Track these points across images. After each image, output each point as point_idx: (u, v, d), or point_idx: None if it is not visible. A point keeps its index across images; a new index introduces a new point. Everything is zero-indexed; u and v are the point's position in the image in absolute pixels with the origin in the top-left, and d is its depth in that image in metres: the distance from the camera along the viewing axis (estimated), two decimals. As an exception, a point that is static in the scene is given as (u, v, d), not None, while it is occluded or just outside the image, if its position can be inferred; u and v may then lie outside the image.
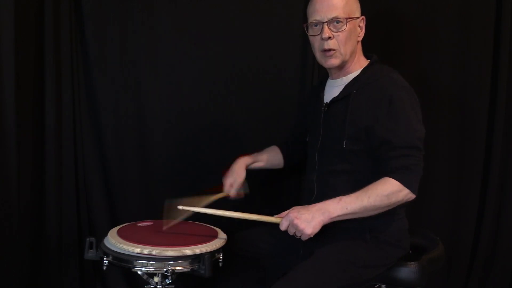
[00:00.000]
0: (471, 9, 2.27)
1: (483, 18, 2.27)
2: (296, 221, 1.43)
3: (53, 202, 2.10)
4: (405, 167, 1.48)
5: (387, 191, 1.46)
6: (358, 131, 1.55)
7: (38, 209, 2.07)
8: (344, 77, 1.67)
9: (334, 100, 1.65)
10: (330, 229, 1.59)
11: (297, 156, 1.94)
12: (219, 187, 1.84)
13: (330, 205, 1.47)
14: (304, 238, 1.45)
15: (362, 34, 1.66)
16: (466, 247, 2.39)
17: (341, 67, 1.65)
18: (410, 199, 1.51)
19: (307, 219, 1.44)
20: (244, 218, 1.52)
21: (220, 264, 1.54)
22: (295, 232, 1.46)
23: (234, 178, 1.82)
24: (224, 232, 1.66)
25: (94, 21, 2.14)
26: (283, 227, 1.47)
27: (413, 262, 1.56)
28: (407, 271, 1.56)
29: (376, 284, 1.64)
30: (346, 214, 1.46)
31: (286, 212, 1.49)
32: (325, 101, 1.70)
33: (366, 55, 1.71)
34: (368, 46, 1.72)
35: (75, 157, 2.17)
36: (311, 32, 1.64)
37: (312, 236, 1.45)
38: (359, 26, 1.64)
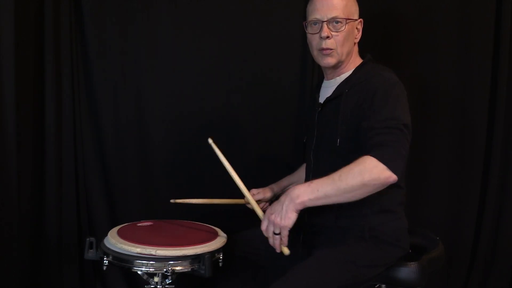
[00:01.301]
0: (470, 9, 2.27)
1: (483, 18, 2.27)
2: (271, 217, 1.42)
3: (53, 202, 2.10)
4: (382, 143, 1.39)
5: (359, 168, 1.37)
6: (350, 129, 1.55)
7: (38, 209, 2.07)
8: (338, 77, 1.68)
9: (328, 100, 1.66)
10: (330, 229, 1.60)
11: None
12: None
13: (300, 189, 1.41)
14: (284, 233, 1.42)
15: (359, 36, 1.67)
16: (466, 247, 2.39)
17: (336, 67, 1.66)
18: (390, 179, 1.37)
19: (279, 211, 1.41)
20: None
21: (220, 264, 1.54)
22: (273, 231, 1.42)
23: (261, 192, 1.85)
24: (224, 232, 1.66)
25: (94, 21, 2.14)
26: (263, 227, 1.45)
27: (413, 262, 1.56)
28: (407, 271, 1.56)
29: (376, 284, 1.64)
30: (319, 198, 1.39)
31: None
32: (319, 101, 1.71)
33: (361, 55, 1.71)
34: (367, 47, 1.72)
35: (75, 158, 2.18)
36: (310, 30, 1.65)
37: (290, 227, 1.40)
38: (357, 28, 1.65)
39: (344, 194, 1.39)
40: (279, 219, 1.40)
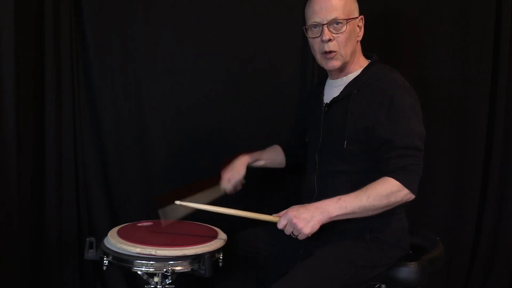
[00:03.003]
0: (471, 9, 2.27)
1: (483, 18, 2.27)
2: (295, 220, 1.43)
3: (53, 202, 2.10)
4: (404, 168, 1.48)
5: (387, 191, 1.46)
6: (358, 131, 1.55)
7: (38, 209, 2.07)
8: (344, 77, 1.67)
9: (334, 100, 1.65)
10: (330, 229, 1.59)
11: (299, 156, 1.93)
12: (215, 179, 1.83)
13: (329, 205, 1.46)
14: (301, 237, 1.44)
15: (361, 34, 1.65)
16: (466, 247, 2.39)
17: (342, 68, 1.65)
18: (410, 200, 1.50)
19: (306, 219, 1.43)
20: (242, 216, 1.52)
21: (220, 264, 1.54)
22: (292, 232, 1.45)
23: (233, 174, 1.81)
24: (224, 232, 1.66)
25: (94, 21, 2.14)
26: (280, 226, 1.46)
27: (413, 262, 1.56)
28: (407, 271, 1.56)
29: (376, 284, 1.64)
30: (345, 214, 1.46)
31: (285, 211, 1.49)
32: (325, 102, 1.70)
33: (366, 54, 1.71)
34: (368, 46, 1.72)
35: (75, 157, 2.17)
36: (310, 34, 1.63)
37: (310, 235, 1.44)
38: (358, 26, 1.64)
39: (366, 212, 1.48)
40: (303, 225, 1.42)
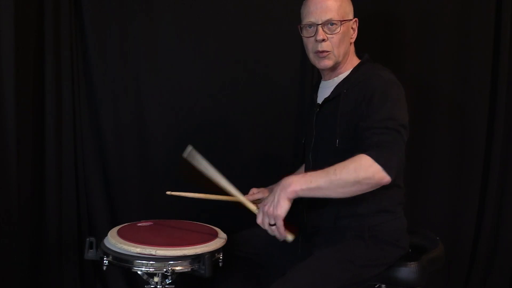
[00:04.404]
0: (470, 10, 2.26)
1: (483, 18, 2.27)
2: (265, 208, 1.42)
3: (53, 202, 2.10)
4: (378, 143, 1.41)
5: (354, 165, 1.38)
6: (349, 129, 1.55)
7: (38, 209, 2.07)
8: (336, 78, 1.68)
9: (326, 100, 1.66)
10: (329, 229, 1.60)
11: None
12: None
13: (293, 179, 1.43)
14: (278, 222, 1.41)
15: (354, 35, 1.67)
16: (466, 247, 2.39)
17: (334, 68, 1.66)
18: (384, 179, 1.39)
19: (272, 201, 1.41)
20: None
21: (220, 264, 1.54)
22: (269, 223, 1.42)
23: (260, 191, 1.82)
24: (224, 232, 1.66)
25: (94, 21, 2.14)
26: (258, 220, 1.45)
27: (413, 262, 1.56)
28: (407, 271, 1.56)
29: (376, 284, 1.64)
30: (312, 189, 1.40)
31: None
32: (317, 102, 1.71)
33: (359, 54, 1.71)
34: (366, 46, 1.72)
35: (75, 157, 2.18)
36: (305, 33, 1.65)
37: (283, 215, 1.40)
38: (352, 28, 1.65)
39: (337, 189, 1.40)
40: (272, 208, 1.40)
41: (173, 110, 2.22)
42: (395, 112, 1.47)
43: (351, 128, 1.55)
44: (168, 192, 1.59)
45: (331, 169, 1.40)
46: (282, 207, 1.40)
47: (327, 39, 1.59)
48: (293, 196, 1.41)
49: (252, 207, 1.53)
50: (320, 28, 1.58)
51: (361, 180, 1.38)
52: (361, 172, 1.37)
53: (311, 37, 1.61)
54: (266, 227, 1.44)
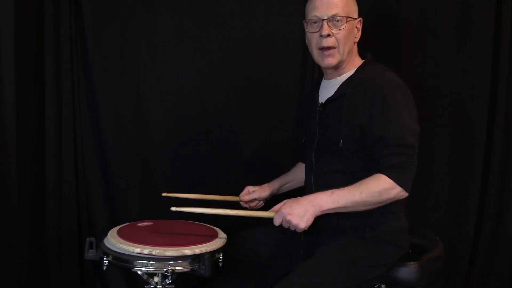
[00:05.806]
0: (470, 11, 2.27)
1: (483, 19, 2.27)
2: (289, 217, 1.45)
3: (53, 202, 2.10)
4: (397, 165, 1.48)
5: (379, 188, 1.47)
6: (353, 130, 1.55)
7: (38, 209, 2.07)
8: (339, 77, 1.67)
9: (329, 100, 1.65)
10: (330, 229, 1.60)
11: None
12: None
13: (322, 198, 1.48)
14: (299, 231, 1.47)
15: (358, 35, 1.66)
16: (466, 247, 2.39)
17: (337, 67, 1.65)
18: (403, 196, 1.51)
19: (299, 214, 1.45)
20: (238, 215, 1.54)
21: (220, 264, 1.54)
22: (289, 227, 1.47)
23: (257, 190, 1.84)
24: (224, 232, 1.66)
25: (94, 21, 2.14)
26: (276, 223, 1.48)
27: (413, 262, 1.56)
28: (407, 271, 1.56)
29: (376, 284, 1.64)
30: (337, 208, 1.48)
31: (279, 205, 1.51)
32: (320, 101, 1.70)
33: (361, 54, 1.71)
34: (367, 46, 1.72)
35: (75, 158, 2.18)
36: (309, 29, 1.63)
37: (306, 229, 1.47)
38: (357, 27, 1.64)
39: (359, 207, 1.50)
40: (297, 221, 1.45)
41: (173, 110, 2.22)
42: (409, 123, 1.53)
43: (355, 129, 1.55)
44: (164, 194, 1.58)
45: (356, 191, 1.47)
46: (308, 222, 1.46)
47: (332, 34, 1.58)
48: (320, 214, 1.48)
49: (266, 214, 1.54)
50: (325, 23, 1.57)
51: (384, 201, 1.50)
52: (385, 195, 1.48)
53: (315, 32, 1.60)
54: (286, 228, 1.49)
